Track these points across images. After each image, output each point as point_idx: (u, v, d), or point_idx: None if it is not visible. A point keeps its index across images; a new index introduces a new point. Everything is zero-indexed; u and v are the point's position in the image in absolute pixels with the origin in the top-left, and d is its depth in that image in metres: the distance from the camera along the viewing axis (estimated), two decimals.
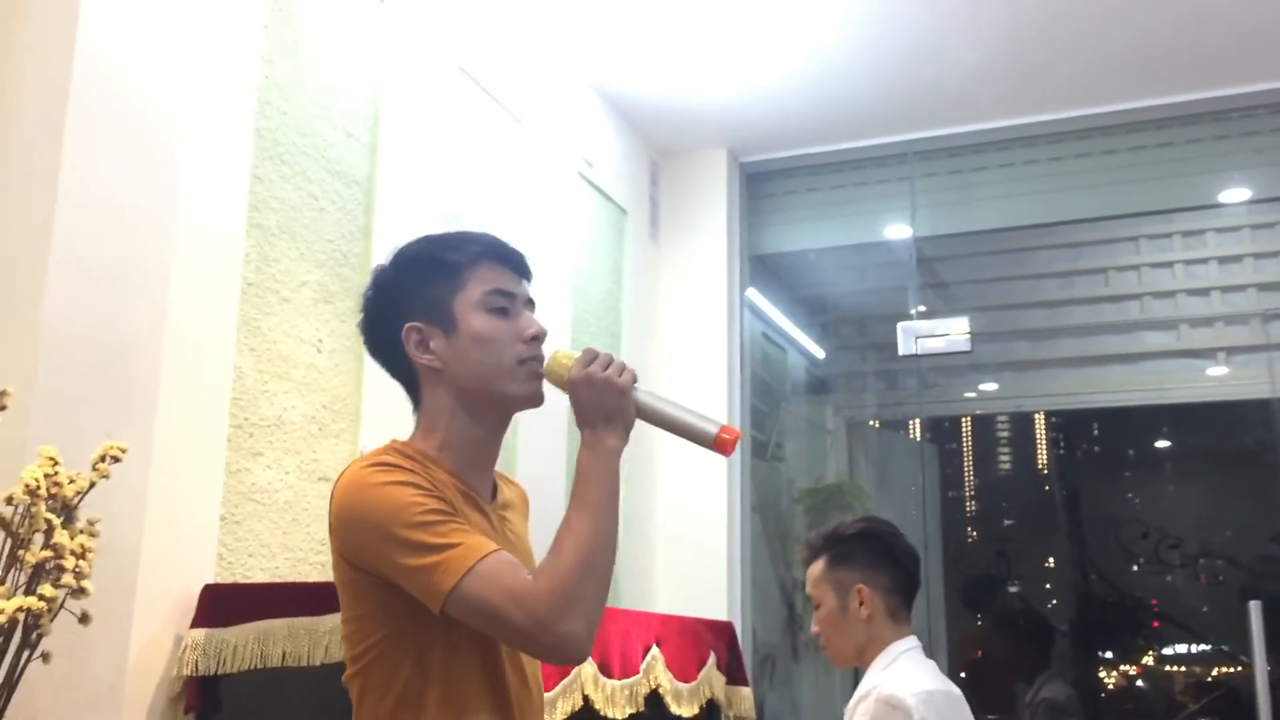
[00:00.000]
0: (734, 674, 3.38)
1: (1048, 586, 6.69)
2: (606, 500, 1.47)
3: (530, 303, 1.64)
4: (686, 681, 3.09)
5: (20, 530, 1.67)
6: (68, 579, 1.66)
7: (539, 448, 3.38)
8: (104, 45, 2.11)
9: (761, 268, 4.80)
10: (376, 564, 1.45)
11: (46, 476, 1.68)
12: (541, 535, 3.76)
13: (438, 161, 3.14)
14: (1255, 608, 3.41)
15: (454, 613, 1.41)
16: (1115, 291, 5.12)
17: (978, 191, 4.50)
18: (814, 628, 2.42)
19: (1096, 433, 6.90)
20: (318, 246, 2.71)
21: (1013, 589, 6.24)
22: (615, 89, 4.08)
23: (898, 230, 4.58)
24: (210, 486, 2.35)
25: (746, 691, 3.39)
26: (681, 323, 4.41)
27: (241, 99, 2.50)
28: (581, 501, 1.46)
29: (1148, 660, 6.28)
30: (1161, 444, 6.74)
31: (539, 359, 1.57)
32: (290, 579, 2.52)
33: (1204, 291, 4.87)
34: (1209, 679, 6.02)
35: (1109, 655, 6.34)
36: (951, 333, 4.25)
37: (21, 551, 1.66)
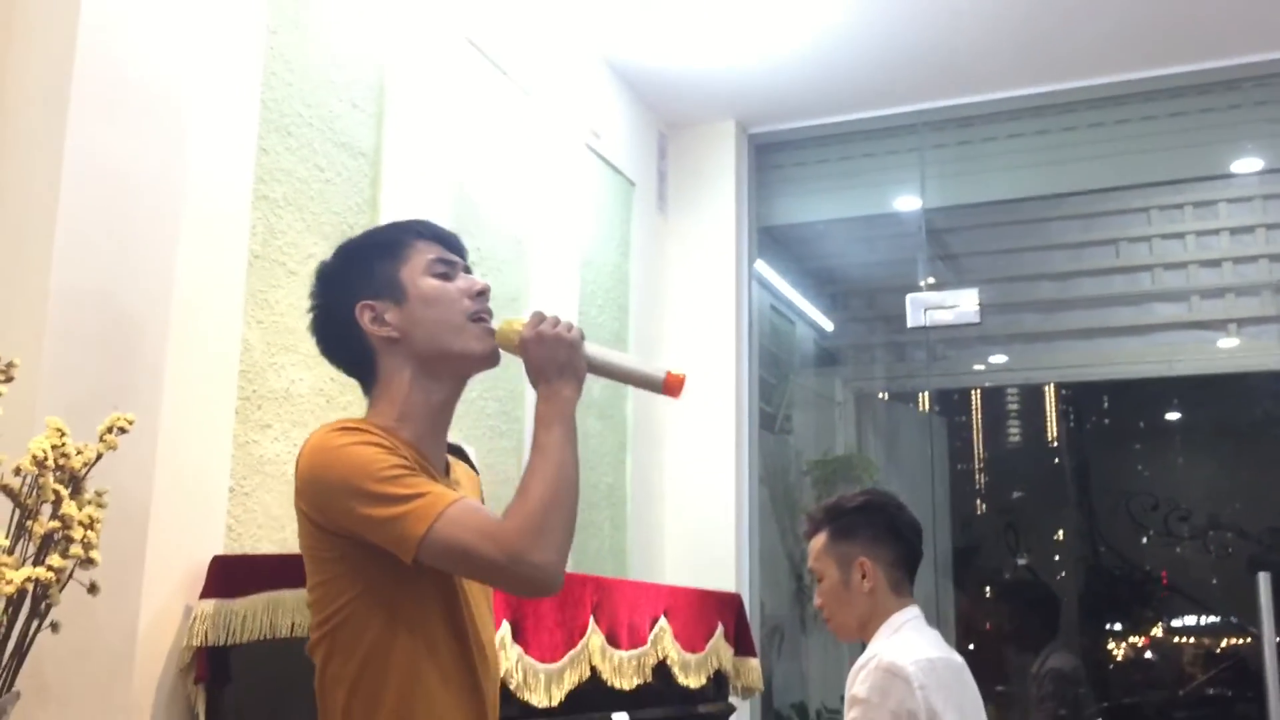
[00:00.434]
0: (742, 645, 3.39)
1: (1056, 558, 6.69)
2: (566, 444, 1.56)
3: (468, 269, 1.73)
4: (694, 652, 3.10)
5: (28, 501, 1.67)
6: (76, 550, 1.66)
7: None
8: (109, 15, 2.10)
9: (770, 239, 4.78)
10: (346, 521, 1.52)
11: (54, 448, 1.68)
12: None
13: (444, 133, 3.13)
14: (1264, 579, 3.40)
15: (427, 557, 1.48)
16: (1126, 263, 5.10)
17: (988, 162, 4.47)
18: (817, 600, 2.43)
19: (1106, 405, 6.89)
20: (324, 219, 2.70)
21: (1021, 561, 6.25)
22: (623, 60, 4.06)
23: (907, 201, 4.56)
24: (219, 458, 2.36)
25: (754, 662, 3.40)
26: (689, 295, 4.40)
27: (247, 70, 2.49)
28: (543, 447, 1.55)
29: (1156, 632, 6.29)
30: (1172, 416, 6.73)
31: (488, 313, 1.67)
32: (298, 551, 2.52)
33: (1215, 263, 4.85)
34: (1217, 650, 6.04)
35: (1118, 627, 6.35)
36: (961, 305, 4.24)
37: (29, 522, 1.67)
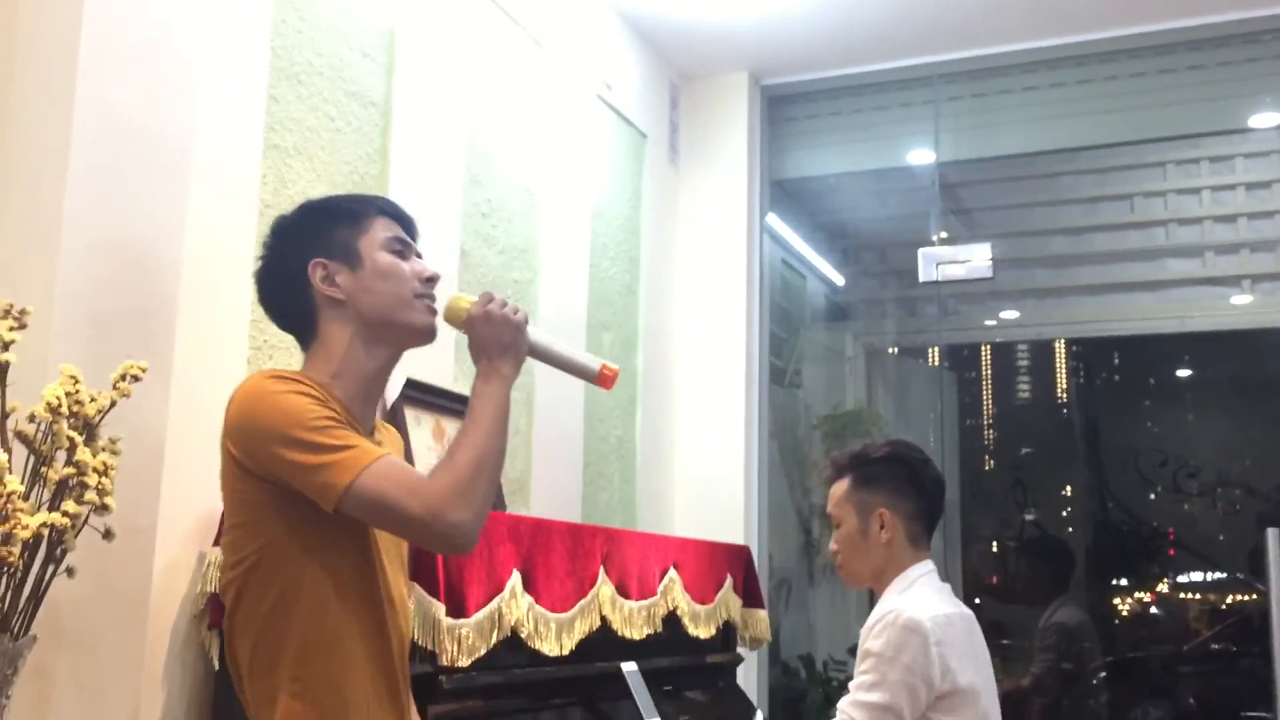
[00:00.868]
0: (750, 597, 3.42)
1: (1065, 514, 6.71)
2: (498, 418, 1.64)
3: (419, 255, 1.81)
4: (703, 604, 3.12)
5: (43, 448, 1.68)
6: (90, 496, 1.68)
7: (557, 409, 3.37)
8: None
9: (782, 193, 4.75)
10: (272, 466, 1.58)
11: (68, 395, 1.69)
12: (555, 491, 3.75)
13: (455, 84, 3.11)
14: (1274, 535, 3.40)
15: (349, 507, 1.55)
16: (1140, 218, 5.06)
17: (1002, 115, 4.43)
18: (832, 545, 2.43)
19: (1117, 361, 6.86)
20: (334, 168, 2.69)
21: (1028, 516, 6.26)
22: (635, 10, 4.02)
23: (920, 155, 4.53)
24: None
25: (762, 614, 3.43)
26: (700, 248, 4.39)
27: (257, 17, 2.47)
28: (476, 419, 1.64)
29: (1163, 588, 6.31)
30: (1183, 373, 6.71)
31: (433, 298, 1.76)
32: None
33: (1231, 218, 4.81)
34: (1223, 607, 6.06)
35: (1124, 582, 6.37)
36: (973, 259, 4.21)
37: (44, 469, 1.68)
